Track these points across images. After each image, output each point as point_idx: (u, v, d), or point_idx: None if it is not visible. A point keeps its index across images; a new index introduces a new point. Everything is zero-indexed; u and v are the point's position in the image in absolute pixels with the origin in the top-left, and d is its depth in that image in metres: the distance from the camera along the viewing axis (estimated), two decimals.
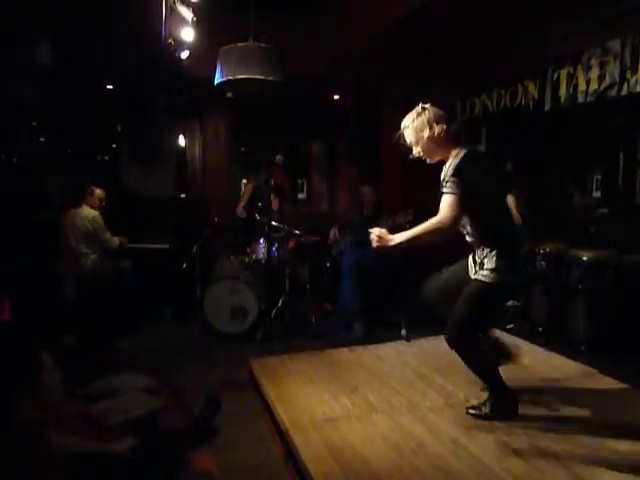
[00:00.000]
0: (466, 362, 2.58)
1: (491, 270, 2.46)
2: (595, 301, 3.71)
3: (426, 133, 2.50)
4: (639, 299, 3.55)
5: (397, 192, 5.73)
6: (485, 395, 2.68)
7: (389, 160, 5.91)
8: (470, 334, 2.53)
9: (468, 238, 2.61)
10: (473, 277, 2.56)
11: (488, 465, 2.19)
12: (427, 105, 2.56)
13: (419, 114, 2.54)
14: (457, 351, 2.54)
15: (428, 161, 2.61)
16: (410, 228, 2.58)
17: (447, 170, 2.48)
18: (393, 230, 2.56)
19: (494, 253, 2.47)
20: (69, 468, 1.86)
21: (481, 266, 2.52)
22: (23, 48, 4.36)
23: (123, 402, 2.61)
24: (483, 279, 2.48)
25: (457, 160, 2.47)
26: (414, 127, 2.53)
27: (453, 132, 2.57)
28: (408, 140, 2.59)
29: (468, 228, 2.56)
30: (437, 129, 2.49)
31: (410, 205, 4.59)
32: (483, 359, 2.61)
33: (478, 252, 2.56)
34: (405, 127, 2.57)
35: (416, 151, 2.58)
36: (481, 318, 2.57)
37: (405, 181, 5.66)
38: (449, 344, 2.54)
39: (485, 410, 2.62)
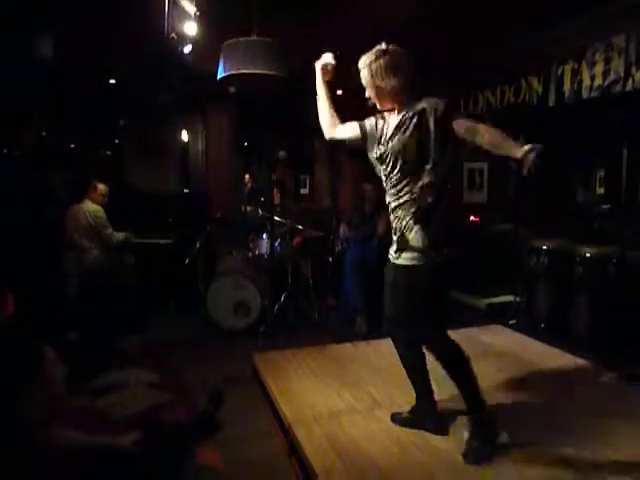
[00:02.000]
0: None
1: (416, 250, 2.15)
2: (598, 297, 3.71)
3: (380, 82, 2.17)
4: None
5: None
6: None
7: None
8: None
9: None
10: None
11: (491, 460, 2.20)
12: (390, 48, 2.17)
13: (377, 57, 2.17)
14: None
15: (378, 107, 2.28)
16: None
17: (390, 129, 2.21)
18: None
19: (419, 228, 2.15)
20: (72, 463, 1.87)
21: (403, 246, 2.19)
22: (25, 43, 4.35)
23: (127, 397, 2.62)
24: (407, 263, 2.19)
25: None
26: (369, 71, 2.19)
27: (410, 85, 2.19)
28: (363, 82, 2.25)
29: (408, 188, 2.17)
30: (393, 82, 2.15)
31: None
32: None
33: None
34: (361, 68, 2.23)
35: (367, 94, 2.27)
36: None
37: None
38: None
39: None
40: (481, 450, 2.20)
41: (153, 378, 3.01)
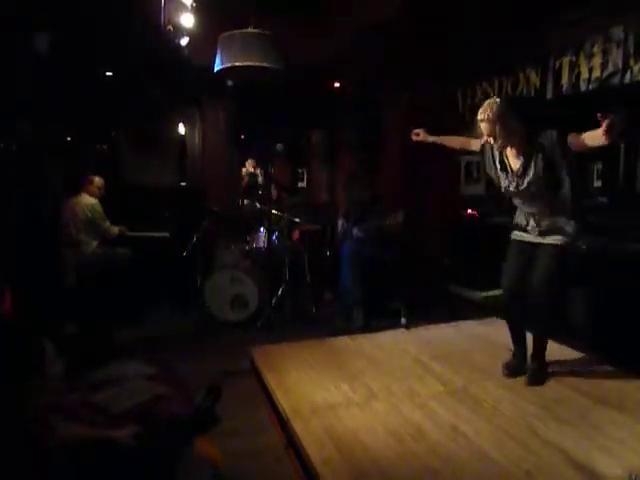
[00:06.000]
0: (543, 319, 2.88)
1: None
2: (593, 290, 3.72)
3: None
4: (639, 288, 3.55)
5: (397, 181, 5.72)
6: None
7: (390, 148, 5.89)
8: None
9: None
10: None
11: (486, 451, 2.21)
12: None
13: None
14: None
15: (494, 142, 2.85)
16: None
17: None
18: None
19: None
20: (70, 456, 1.88)
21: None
22: (21, 35, 4.32)
23: (125, 390, 2.62)
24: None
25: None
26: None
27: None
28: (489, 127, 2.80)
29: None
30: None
31: (411, 193, 4.57)
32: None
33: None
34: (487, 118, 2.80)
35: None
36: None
37: (406, 168, 5.65)
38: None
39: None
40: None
41: (150, 371, 3.01)
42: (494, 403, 2.66)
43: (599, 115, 2.39)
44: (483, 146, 2.99)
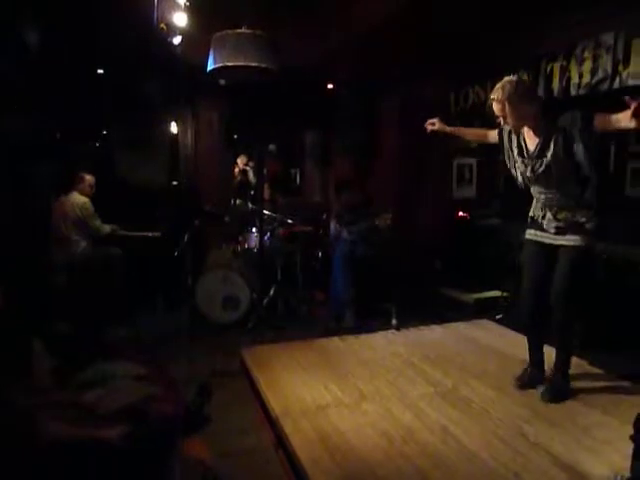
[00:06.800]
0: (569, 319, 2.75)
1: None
2: (585, 293, 3.75)
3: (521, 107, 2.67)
4: (629, 292, 3.59)
5: (390, 182, 5.74)
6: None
7: (385, 149, 5.91)
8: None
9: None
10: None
11: (476, 452, 2.23)
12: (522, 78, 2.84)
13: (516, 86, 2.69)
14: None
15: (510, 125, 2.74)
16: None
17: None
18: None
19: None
20: (57, 456, 1.86)
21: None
22: (12, 32, 4.28)
23: (115, 390, 2.60)
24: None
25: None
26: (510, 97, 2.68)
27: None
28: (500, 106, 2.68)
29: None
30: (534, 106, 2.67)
31: (404, 194, 4.58)
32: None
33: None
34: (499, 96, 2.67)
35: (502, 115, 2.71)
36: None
37: (400, 170, 5.67)
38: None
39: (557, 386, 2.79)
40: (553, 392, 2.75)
41: (140, 371, 2.99)
42: (484, 405, 2.68)
43: (627, 98, 2.16)
44: (500, 134, 2.87)
